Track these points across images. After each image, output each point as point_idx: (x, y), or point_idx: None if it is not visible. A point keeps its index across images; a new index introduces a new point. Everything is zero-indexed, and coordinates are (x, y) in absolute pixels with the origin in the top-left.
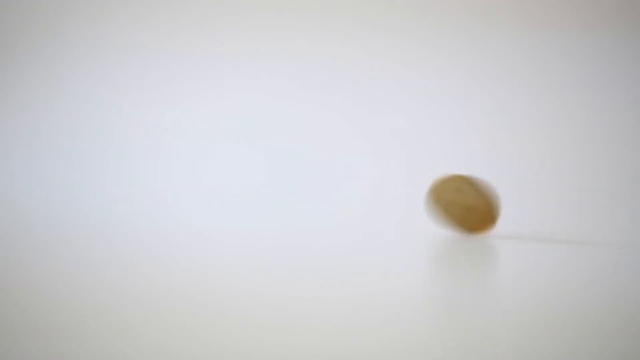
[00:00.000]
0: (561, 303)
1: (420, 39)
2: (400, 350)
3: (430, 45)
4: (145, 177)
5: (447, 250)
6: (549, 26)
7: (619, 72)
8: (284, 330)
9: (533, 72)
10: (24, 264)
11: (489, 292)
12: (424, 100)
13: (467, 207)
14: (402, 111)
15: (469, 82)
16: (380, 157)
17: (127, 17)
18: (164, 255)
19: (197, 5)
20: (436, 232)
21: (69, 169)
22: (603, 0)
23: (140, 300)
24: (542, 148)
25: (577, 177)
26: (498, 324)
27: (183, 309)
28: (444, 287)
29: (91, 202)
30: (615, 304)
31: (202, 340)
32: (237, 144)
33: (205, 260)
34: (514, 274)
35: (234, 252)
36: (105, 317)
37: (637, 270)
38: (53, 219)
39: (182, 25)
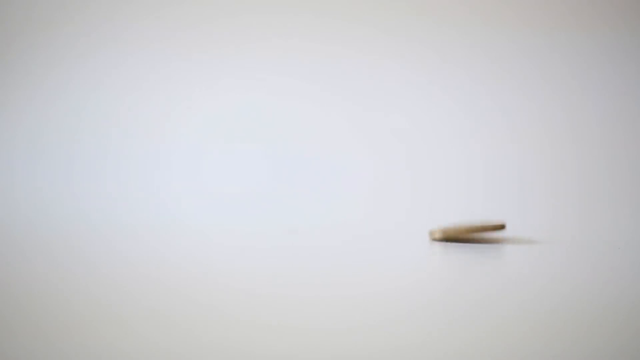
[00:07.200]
0: (561, 304)
1: (421, 39)
2: (401, 351)
3: (430, 45)
4: (145, 177)
5: (448, 251)
6: (549, 26)
7: (619, 72)
8: (284, 330)
9: (533, 72)
10: (24, 264)
11: (488, 292)
12: (424, 100)
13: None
14: (402, 111)
15: (469, 82)
16: (380, 157)
17: (127, 17)
18: (164, 255)
19: (197, 5)
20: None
21: (69, 169)
22: (603, 0)
23: (140, 300)
24: (542, 148)
25: (577, 177)
26: (498, 325)
27: (183, 308)
28: (444, 288)
29: (91, 202)
30: (616, 304)
31: (202, 340)
32: (237, 143)
33: (205, 260)
34: (513, 274)
35: (234, 252)
36: (105, 317)
37: (637, 270)
38: (53, 219)
39: (182, 25)
